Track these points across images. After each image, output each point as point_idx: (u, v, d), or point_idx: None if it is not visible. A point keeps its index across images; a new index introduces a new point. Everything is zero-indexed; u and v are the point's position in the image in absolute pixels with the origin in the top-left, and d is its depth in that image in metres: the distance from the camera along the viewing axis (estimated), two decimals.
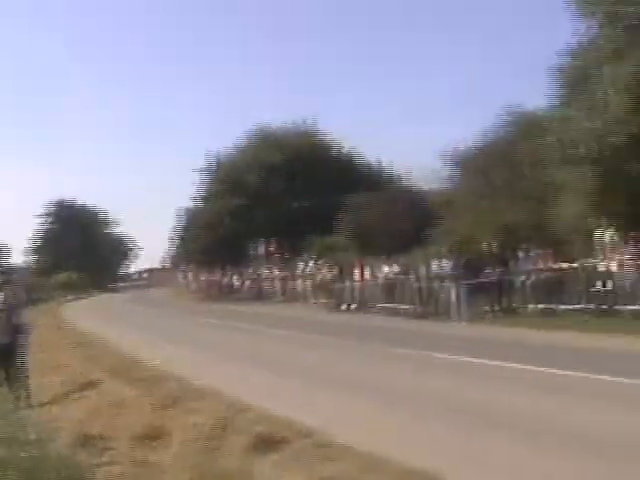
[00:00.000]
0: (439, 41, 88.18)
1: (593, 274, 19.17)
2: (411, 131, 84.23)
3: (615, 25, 21.23)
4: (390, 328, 21.09)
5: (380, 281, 26.61)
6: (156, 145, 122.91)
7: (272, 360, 15.34)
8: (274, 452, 7.42)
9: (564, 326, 16.99)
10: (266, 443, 7.70)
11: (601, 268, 19.05)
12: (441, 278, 23.11)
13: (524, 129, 26.06)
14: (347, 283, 28.44)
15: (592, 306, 18.44)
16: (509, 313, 20.76)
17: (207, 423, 8.76)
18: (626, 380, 9.96)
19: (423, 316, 22.62)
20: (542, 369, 11.44)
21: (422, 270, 24.21)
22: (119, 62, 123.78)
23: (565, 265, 20.18)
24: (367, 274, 27.59)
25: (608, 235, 19.36)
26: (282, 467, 6.87)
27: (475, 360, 13.00)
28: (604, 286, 18.66)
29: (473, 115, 78.96)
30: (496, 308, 21.37)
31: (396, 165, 46.71)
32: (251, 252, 41.94)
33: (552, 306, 19.71)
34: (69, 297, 58.26)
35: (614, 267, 18.60)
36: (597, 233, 19.71)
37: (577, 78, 22.16)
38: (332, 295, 29.42)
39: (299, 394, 11.10)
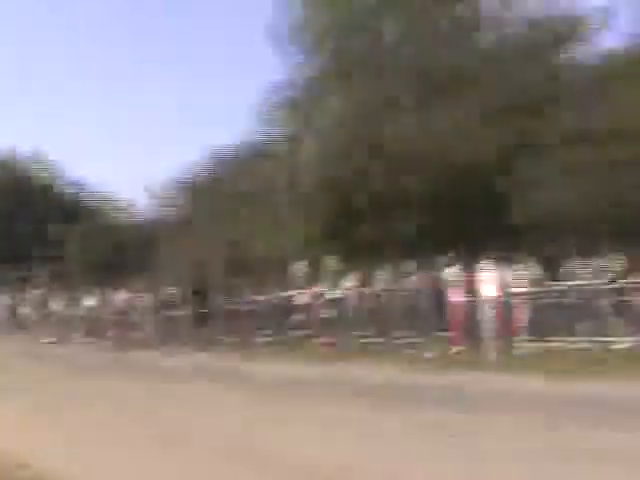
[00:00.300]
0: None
1: (289, 306, 19.14)
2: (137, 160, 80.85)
3: (316, 58, 21.75)
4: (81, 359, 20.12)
5: (81, 312, 25.34)
6: None
7: None
8: None
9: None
10: None
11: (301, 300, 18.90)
12: (141, 309, 22.51)
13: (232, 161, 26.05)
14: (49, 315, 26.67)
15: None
16: (211, 343, 19.93)
17: None
18: None
19: (126, 347, 21.45)
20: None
21: (120, 301, 23.64)
22: None
23: (267, 297, 19.71)
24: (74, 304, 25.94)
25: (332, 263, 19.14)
26: None
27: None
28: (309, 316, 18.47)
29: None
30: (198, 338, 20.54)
31: (119, 195, 45.27)
32: None
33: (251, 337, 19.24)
34: None
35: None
36: (297, 265, 19.58)
37: (282, 111, 22.33)
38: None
39: None
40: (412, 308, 16.33)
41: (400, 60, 20.69)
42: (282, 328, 18.75)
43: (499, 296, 14.71)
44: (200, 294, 21.35)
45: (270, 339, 18.77)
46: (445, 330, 15.47)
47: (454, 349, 14.92)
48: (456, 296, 15.46)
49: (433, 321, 15.71)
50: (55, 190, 45.72)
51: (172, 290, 22.62)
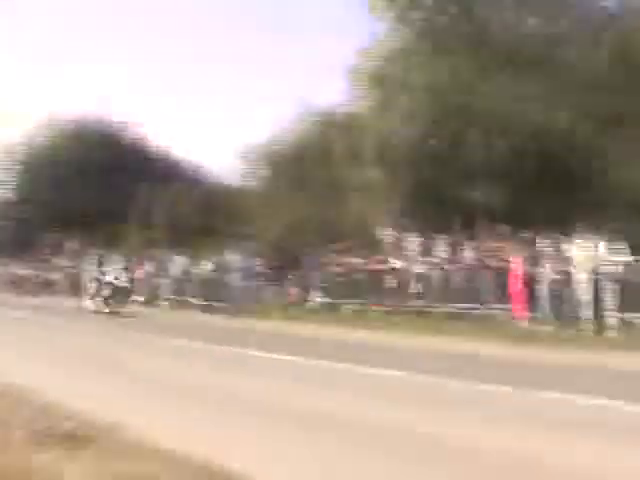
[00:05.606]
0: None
1: (390, 274, 19.13)
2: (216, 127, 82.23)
3: (404, 28, 21.91)
4: (193, 323, 20.62)
5: (172, 276, 25.95)
6: None
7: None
8: (58, 447, 6.67)
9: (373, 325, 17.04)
10: (50, 437, 6.94)
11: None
12: (242, 272, 22.75)
13: (319, 128, 26.32)
14: (140, 277, 27.24)
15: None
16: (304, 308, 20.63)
17: None
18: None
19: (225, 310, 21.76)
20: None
21: (223, 264, 23.72)
22: None
23: (362, 261, 20.11)
24: (167, 267, 26.52)
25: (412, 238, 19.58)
26: (67, 462, 6.16)
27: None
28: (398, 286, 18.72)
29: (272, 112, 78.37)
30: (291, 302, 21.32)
31: (194, 158, 46.73)
32: (45, 244, 39.44)
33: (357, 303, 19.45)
34: None
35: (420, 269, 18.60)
36: (386, 233, 20.05)
37: (371, 80, 22.59)
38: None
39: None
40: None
41: (493, 28, 20.79)
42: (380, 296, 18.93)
43: (594, 273, 14.87)
44: (282, 264, 22.17)
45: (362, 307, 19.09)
46: None
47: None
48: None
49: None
50: (146, 153, 47.13)
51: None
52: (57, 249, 38.23)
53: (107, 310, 22.51)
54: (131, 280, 24.87)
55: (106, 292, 23.10)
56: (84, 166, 42.29)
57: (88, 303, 23.67)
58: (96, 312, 22.65)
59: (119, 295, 23.07)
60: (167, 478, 5.79)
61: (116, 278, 23.36)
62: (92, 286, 23.93)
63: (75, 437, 7.01)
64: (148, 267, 27.22)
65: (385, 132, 21.49)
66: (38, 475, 5.94)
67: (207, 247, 26.04)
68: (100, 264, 24.48)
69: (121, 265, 24.55)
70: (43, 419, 7.73)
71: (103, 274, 23.66)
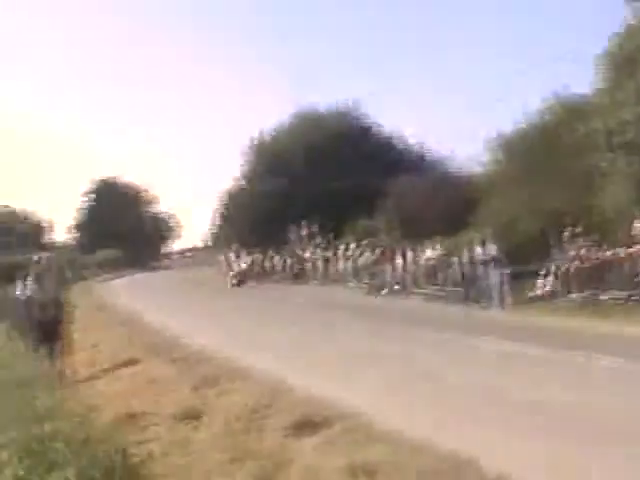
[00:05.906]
0: (484, 23, 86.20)
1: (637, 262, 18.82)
2: (457, 115, 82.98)
3: None
4: (430, 312, 21.22)
5: (422, 265, 26.62)
6: (202, 126, 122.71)
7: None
8: (314, 434, 7.47)
9: (608, 314, 16.90)
10: (306, 425, 7.74)
11: None
12: (484, 262, 22.88)
13: (570, 113, 25.85)
14: (388, 266, 28.37)
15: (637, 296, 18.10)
16: (551, 300, 20.51)
17: (246, 403, 8.88)
18: None
19: (465, 301, 22.47)
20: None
21: (465, 254, 24.07)
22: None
23: (609, 253, 19.90)
24: (409, 258, 27.50)
25: None
26: (322, 450, 6.89)
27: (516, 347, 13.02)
28: None
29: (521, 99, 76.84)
30: (538, 294, 21.15)
31: (438, 148, 46.77)
32: (292, 233, 41.88)
33: (595, 294, 19.40)
34: (107, 275, 57.97)
35: None
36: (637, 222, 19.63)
37: (625, 63, 21.94)
38: (373, 278, 29.38)
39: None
40: None
41: None
42: (630, 286, 18.61)
43: None
44: (544, 248, 22.04)
45: (615, 296, 18.75)
46: None
47: None
48: None
49: None
50: (389, 143, 48.33)
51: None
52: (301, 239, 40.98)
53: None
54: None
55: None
56: (327, 156, 44.19)
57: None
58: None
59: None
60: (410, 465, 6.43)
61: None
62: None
63: (313, 423, 7.89)
64: (398, 259, 28.18)
65: (632, 119, 20.86)
66: (297, 461, 6.83)
67: (449, 236, 26.64)
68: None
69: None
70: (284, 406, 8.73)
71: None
